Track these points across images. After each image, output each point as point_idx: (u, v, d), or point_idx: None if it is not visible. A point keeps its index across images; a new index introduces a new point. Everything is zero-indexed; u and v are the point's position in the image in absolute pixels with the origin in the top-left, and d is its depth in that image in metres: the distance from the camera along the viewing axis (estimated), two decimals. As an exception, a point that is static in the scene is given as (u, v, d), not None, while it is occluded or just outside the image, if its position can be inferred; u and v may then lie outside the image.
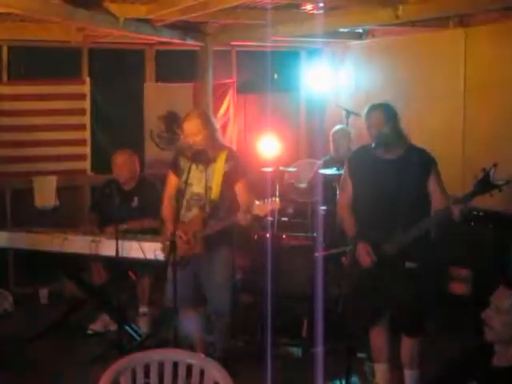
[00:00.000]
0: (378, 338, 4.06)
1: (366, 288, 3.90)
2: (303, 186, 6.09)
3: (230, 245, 4.39)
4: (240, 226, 4.25)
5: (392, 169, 3.84)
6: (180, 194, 4.31)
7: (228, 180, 4.29)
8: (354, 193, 4.02)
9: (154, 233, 5.12)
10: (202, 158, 4.33)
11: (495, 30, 5.60)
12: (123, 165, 5.44)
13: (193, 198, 4.33)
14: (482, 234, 5.27)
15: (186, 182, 4.30)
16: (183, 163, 4.36)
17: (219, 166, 4.30)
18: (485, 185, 3.52)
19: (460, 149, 5.81)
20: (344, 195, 4.12)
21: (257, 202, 4.08)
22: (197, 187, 4.33)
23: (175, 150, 4.86)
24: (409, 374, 3.99)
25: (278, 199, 4.15)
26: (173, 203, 4.32)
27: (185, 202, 4.34)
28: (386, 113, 3.86)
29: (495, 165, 3.49)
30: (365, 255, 3.84)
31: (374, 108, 3.90)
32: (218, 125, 4.51)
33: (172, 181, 4.45)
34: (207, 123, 4.31)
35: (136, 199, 5.42)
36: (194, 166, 4.33)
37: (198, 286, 4.40)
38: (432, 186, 3.81)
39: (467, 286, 5.28)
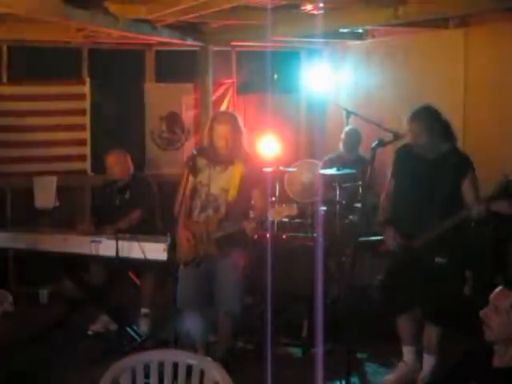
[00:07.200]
0: (405, 324, 4.31)
1: (396, 279, 4.18)
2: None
3: (243, 246, 4.38)
4: (245, 232, 4.22)
5: (429, 167, 4.04)
6: (195, 193, 4.31)
7: (245, 184, 4.28)
8: (394, 185, 4.28)
9: (145, 227, 5.16)
10: (221, 159, 4.33)
11: (495, 30, 5.60)
12: (115, 164, 5.55)
13: (208, 199, 4.32)
14: (482, 233, 5.27)
15: (202, 183, 4.30)
16: (200, 163, 4.33)
17: (237, 169, 4.29)
18: (505, 192, 3.64)
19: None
20: (388, 186, 4.36)
21: (273, 207, 4.13)
22: (213, 188, 4.31)
23: (193, 149, 4.86)
24: (426, 358, 4.24)
25: (295, 205, 4.14)
26: (186, 203, 4.30)
27: (199, 203, 4.34)
28: (424, 120, 4.04)
29: None
30: (390, 238, 4.11)
31: (413, 116, 4.05)
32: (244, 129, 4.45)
33: (188, 180, 4.34)
34: (238, 127, 4.32)
35: (128, 192, 5.53)
36: (211, 167, 4.33)
37: (209, 285, 4.40)
38: (466, 189, 3.96)
39: (467, 285, 5.27)
